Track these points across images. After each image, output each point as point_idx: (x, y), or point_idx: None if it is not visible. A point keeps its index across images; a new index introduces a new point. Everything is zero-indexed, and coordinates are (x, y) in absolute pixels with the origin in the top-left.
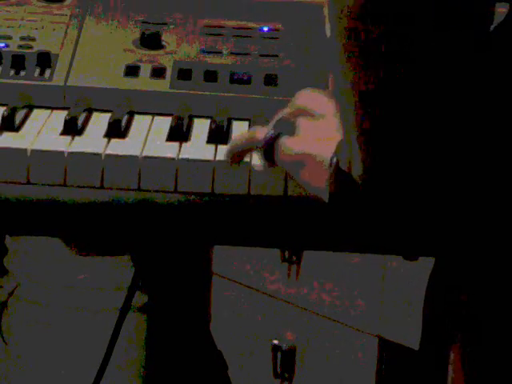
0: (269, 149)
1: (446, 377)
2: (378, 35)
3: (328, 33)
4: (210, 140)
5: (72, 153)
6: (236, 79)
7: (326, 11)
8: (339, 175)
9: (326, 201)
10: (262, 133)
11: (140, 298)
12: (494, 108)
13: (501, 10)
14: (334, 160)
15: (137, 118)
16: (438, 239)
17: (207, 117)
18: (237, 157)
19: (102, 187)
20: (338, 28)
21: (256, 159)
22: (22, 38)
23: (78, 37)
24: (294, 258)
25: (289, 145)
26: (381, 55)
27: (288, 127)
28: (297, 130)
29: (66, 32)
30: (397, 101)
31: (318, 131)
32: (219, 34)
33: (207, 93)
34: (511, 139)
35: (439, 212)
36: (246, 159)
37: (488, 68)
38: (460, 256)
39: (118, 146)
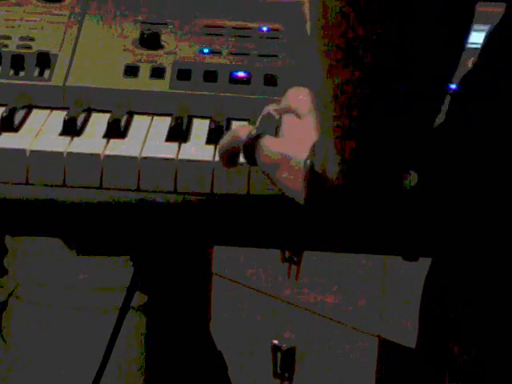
0: (249, 148)
1: (444, 377)
2: (360, 34)
3: (309, 31)
4: (209, 140)
5: (71, 153)
6: (235, 79)
7: (306, 9)
8: (313, 177)
9: (302, 203)
10: (245, 132)
11: (140, 298)
12: (489, 107)
13: (497, 10)
14: (308, 162)
15: (136, 118)
16: (428, 239)
17: (206, 117)
18: (227, 157)
19: (101, 187)
20: (318, 25)
21: None
22: (22, 38)
23: (78, 37)
24: (294, 258)
25: (267, 146)
26: (361, 54)
27: (272, 125)
28: (280, 129)
29: (65, 32)
30: (377, 100)
31: (300, 131)
32: (219, 34)
33: (206, 93)
34: (506, 141)
35: (424, 213)
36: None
37: (485, 69)
38: (451, 256)
39: (117, 147)
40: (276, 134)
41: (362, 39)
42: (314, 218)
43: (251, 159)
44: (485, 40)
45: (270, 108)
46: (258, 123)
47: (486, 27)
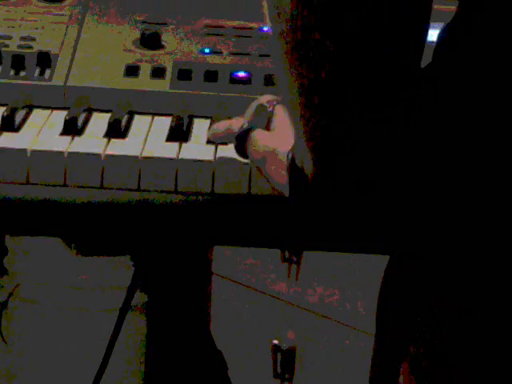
0: (241, 142)
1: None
2: (313, 32)
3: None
4: (209, 140)
5: (72, 153)
6: (236, 79)
7: (265, 9)
8: (294, 171)
9: (286, 195)
10: (237, 125)
11: (140, 298)
12: (443, 105)
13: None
14: (290, 155)
15: (137, 118)
16: (393, 236)
17: (207, 117)
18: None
19: (101, 187)
20: (276, 22)
21: None
22: (22, 38)
23: (78, 37)
24: (294, 258)
25: (257, 140)
26: (317, 53)
27: (264, 116)
28: (272, 122)
29: (65, 32)
30: (336, 99)
31: (290, 125)
32: (219, 34)
33: (207, 93)
34: (462, 139)
35: (393, 211)
36: (247, 160)
37: (438, 68)
38: (416, 254)
39: (117, 146)
40: (267, 125)
41: (315, 38)
42: (314, 218)
43: (243, 153)
44: (438, 38)
45: (264, 99)
46: (250, 113)
47: (439, 25)
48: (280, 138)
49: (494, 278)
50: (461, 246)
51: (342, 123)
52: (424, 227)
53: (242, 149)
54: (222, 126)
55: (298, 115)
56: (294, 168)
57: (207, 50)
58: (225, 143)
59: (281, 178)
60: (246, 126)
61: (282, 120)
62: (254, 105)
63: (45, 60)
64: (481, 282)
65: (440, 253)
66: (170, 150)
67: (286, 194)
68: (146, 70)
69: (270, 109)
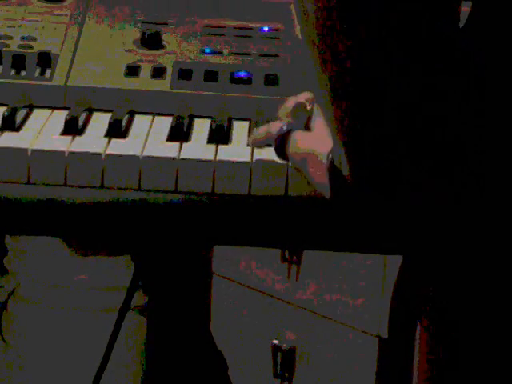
0: (281, 145)
1: (412, 365)
2: (343, 35)
3: (300, 35)
4: (210, 140)
5: (72, 153)
6: (236, 79)
7: (294, 13)
8: (334, 172)
9: (327, 197)
10: (276, 128)
11: (140, 298)
12: (463, 104)
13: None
14: (330, 157)
15: (137, 117)
16: (408, 236)
17: (207, 117)
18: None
19: (102, 187)
20: (306, 28)
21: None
22: (23, 38)
23: (79, 37)
24: (294, 258)
25: (297, 141)
26: (347, 56)
27: (303, 116)
28: (312, 121)
29: (66, 32)
30: (368, 101)
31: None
32: (220, 34)
33: (207, 93)
34: (480, 136)
35: (415, 211)
36: (247, 159)
37: (456, 64)
38: (429, 252)
39: (118, 146)
40: (307, 125)
41: (344, 43)
42: (314, 218)
43: (283, 155)
44: None
45: (303, 97)
46: (286, 111)
47: None
48: (320, 138)
49: (506, 280)
50: (475, 247)
51: (372, 123)
52: (442, 230)
53: (282, 151)
54: (261, 130)
55: (331, 115)
56: (333, 169)
57: (207, 50)
58: (224, 143)
59: (322, 180)
60: (284, 128)
61: (322, 119)
62: (290, 103)
63: (45, 60)
64: (493, 283)
65: (454, 253)
66: (171, 149)
67: (327, 195)
68: (146, 69)
69: (309, 107)
